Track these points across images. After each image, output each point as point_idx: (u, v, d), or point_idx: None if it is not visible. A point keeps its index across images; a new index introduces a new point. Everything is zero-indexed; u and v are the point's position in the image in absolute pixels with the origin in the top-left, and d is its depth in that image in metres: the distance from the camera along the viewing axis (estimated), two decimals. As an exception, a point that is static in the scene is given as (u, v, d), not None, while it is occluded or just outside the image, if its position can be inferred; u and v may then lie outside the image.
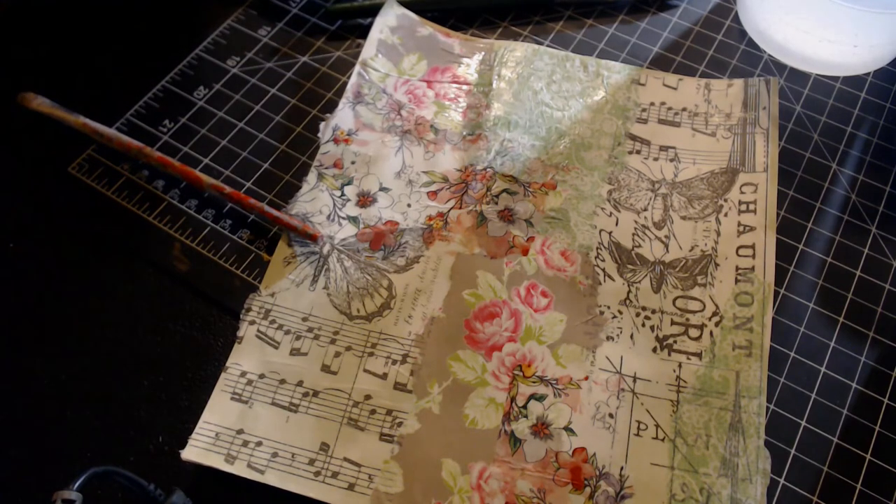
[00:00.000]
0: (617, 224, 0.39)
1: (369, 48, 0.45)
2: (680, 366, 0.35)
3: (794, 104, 0.44)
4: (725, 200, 0.39)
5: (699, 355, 0.35)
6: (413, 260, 0.37)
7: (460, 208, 0.39)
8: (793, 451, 0.33)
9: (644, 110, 0.43)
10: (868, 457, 0.33)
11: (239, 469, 0.32)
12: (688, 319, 0.36)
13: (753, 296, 0.36)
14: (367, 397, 0.34)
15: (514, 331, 0.35)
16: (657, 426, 0.33)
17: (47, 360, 0.35)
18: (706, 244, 0.38)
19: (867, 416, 0.34)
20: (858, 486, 0.33)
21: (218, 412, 0.33)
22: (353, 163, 0.41)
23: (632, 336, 0.36)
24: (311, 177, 0.40)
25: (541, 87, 0.43)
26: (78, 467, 0.32)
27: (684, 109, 0.43)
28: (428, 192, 0.40)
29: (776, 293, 0.37)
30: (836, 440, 0.34)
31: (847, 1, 0.40)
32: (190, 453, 0.32)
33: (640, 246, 0.38)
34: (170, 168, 0.39)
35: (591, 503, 0.31)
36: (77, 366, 0.35)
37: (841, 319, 0.37)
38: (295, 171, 0.41)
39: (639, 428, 0.33)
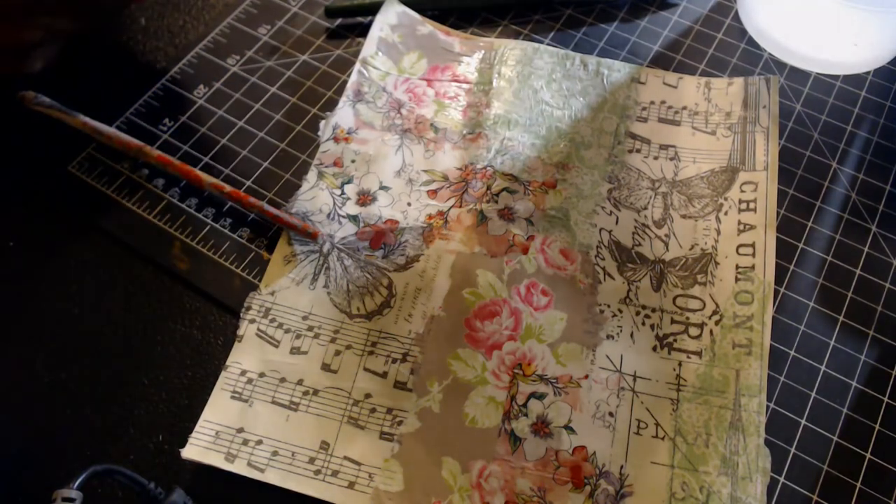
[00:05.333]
0: (617, 223, 0.39)
1: (369, 46, 0.45)
2: (680, 364, 0.35)
3: (795, 103, 0.44)
4: (725, 199, 0.39)
5: (699, 354, 0.35)
6: (413, 258, 0.37)
7: (460, 207, 0.39)
8: (793, 450, 0.33)
9: (644, 109, 0.43)
10: (868, 455, 0.33)
11: (239, 468, 0.32)
12: (688, 318, 0.36)
13: (753, 294, 0.36)
14: (368, 396, 0.34)
15: (514, 329, 0.35)
16: (657, 425, 0.33)
17: (47, 360, 0.35)
18: (706, 243, 0.38)
19: (867, 415, 0.34)
20: (858, 485, 0.33)
21: (218, 411, 0.33)
22: (353, 161, 0.40)
23: (632, 335, 0.36)
24: (311, 175, 0.40)
25: (541, 86, 0.43)
26: (78, 466, 0.32)
27: (684, 108, 0.43)
28: (428, 191, 0.40)
29: (776, 292, 0.37)
30: (836, 439, 0.34)
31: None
32: (190, 452, 0.32)
33: (640, 244, 0.38)
34: (169, 167, 0.39)
35: (591, 502, 0.31)
36: (77, 365, 0.35)
37: (841, 318, 0.37)
38: (295, 170, 0.41)
39: (639, 426, 0.33)
